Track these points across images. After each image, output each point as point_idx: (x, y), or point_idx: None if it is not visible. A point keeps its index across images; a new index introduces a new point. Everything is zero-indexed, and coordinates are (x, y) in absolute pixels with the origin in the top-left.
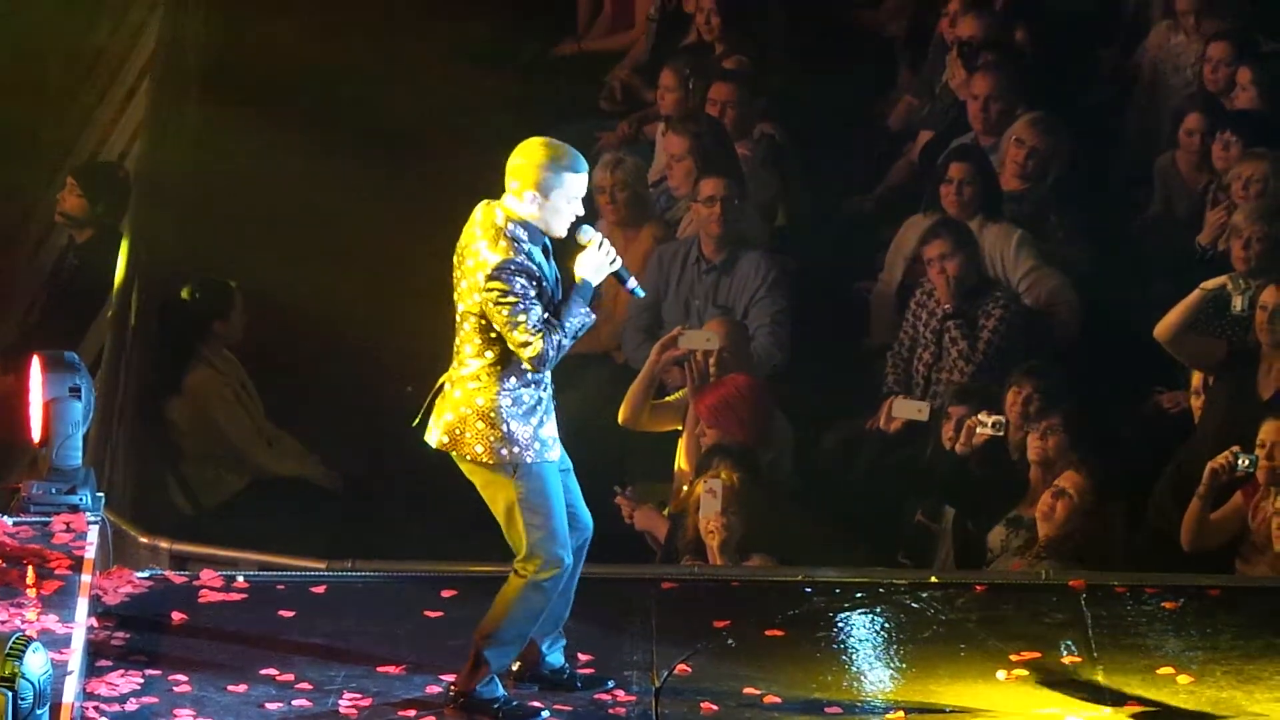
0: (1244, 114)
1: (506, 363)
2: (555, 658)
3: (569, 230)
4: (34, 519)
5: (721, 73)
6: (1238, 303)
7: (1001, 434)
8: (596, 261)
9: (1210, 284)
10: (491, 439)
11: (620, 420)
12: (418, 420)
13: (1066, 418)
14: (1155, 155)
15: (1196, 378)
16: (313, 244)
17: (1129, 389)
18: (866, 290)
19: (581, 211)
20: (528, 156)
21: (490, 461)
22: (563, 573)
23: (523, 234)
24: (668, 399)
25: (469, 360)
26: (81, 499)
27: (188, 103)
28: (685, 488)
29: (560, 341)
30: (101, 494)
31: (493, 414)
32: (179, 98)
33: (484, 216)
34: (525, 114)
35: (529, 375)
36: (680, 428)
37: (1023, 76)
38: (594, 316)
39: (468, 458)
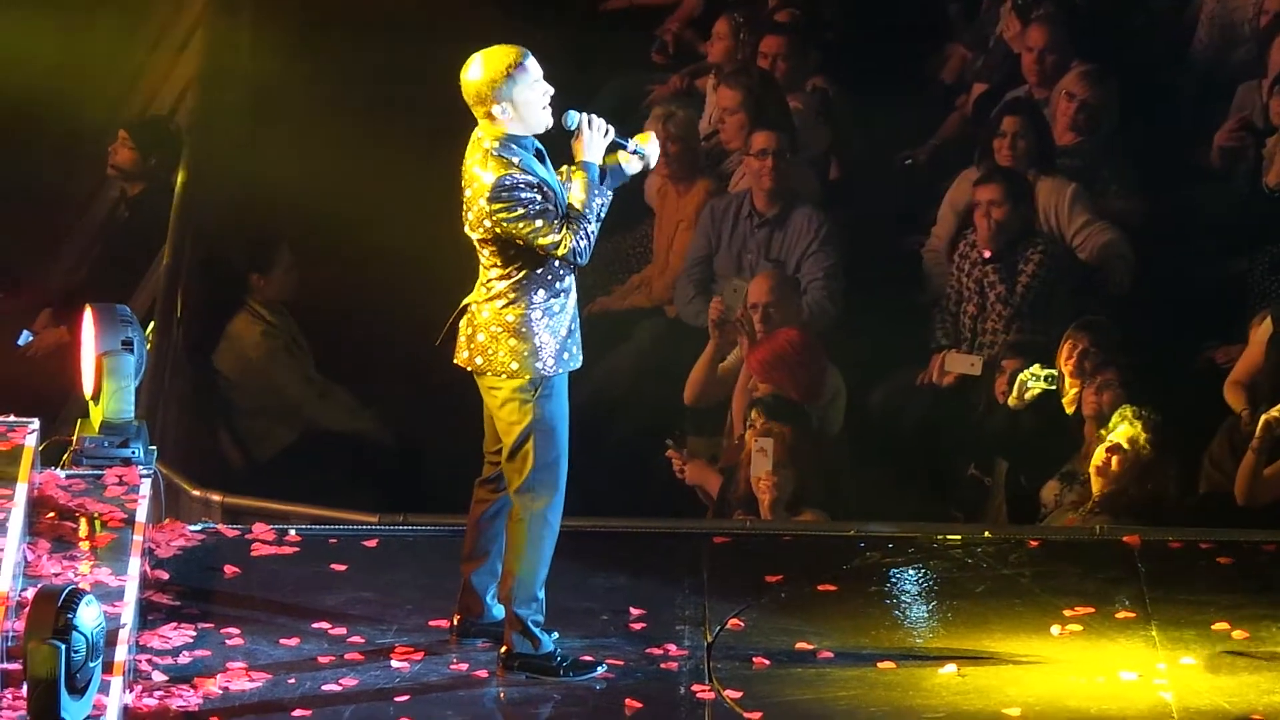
0: None
1: (533, 278)
2: (499, 610)
3: (555, 122)
4: (87, 472)
5: (773, 25)
6: None
7: (1054, 388)
8: (591, 141)
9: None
10: (524, 352)
11: (686, 402)
12: (440, 340)
13: (1121, 372)
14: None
15: (1252, 332)
16: (365, 198)
17: (1183, 343)
18: (919, 245)
19: (551, 91)
20: (472, 82)
21: (525, 376)
22: (561, 500)
23: (511, 147)
24: (726, 361)
25: (495, 283)
26: (134, 452)
27: (239, 56)
28: (737, 442)
29: (588, 229)
30: (154, 447)
31: (524, 328)
32: (231, 51)
33: (473, 143)
34: (578, 68)
35: (556, 285)
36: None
37: (1077, 28)
38: (610, 194)
39: (502, 374)
